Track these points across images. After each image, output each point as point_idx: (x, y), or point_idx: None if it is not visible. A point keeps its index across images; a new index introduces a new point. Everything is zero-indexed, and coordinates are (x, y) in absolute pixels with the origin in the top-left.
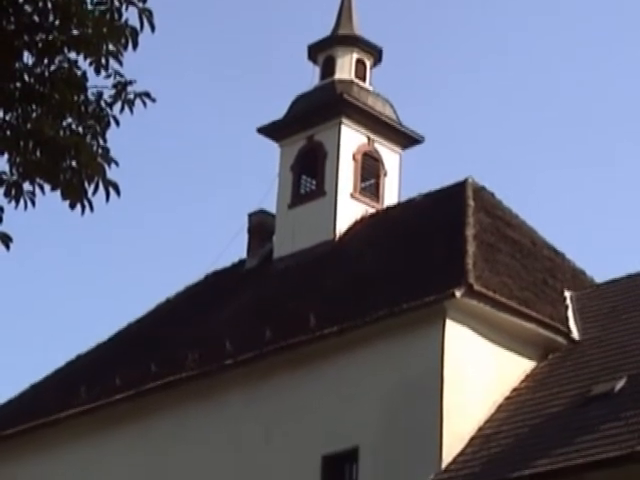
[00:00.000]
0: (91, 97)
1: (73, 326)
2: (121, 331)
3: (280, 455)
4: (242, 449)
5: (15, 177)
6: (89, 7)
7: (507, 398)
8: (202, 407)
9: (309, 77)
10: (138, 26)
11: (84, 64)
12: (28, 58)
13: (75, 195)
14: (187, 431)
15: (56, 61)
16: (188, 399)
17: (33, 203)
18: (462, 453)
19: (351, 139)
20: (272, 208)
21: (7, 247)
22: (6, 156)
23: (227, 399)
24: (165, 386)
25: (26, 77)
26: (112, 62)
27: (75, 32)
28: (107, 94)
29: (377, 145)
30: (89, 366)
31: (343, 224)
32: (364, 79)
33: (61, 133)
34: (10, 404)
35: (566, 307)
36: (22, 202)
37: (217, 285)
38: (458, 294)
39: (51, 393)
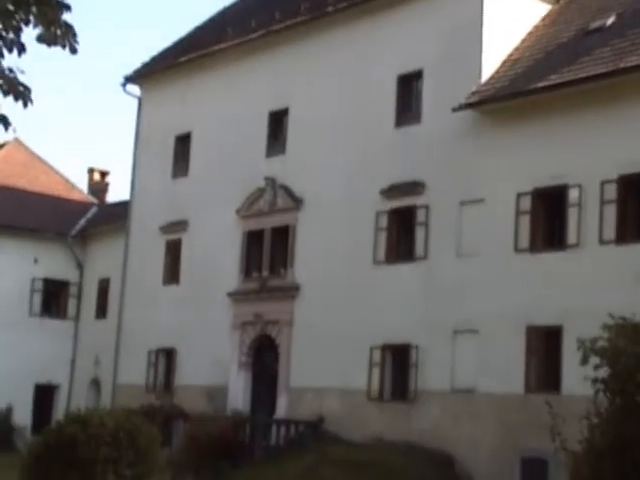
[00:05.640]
0: None
1: None
2: None
3: (366, 75)
4: (344, 72)
5: None
6: None
7: (529, 33)
8: (322, 43)
9: None
10: None
11: None
12: None
13: None
14: (303, 60)
15: None
16: (306, 37)
17: None
18: (497, 71)
19: None
20: None
21: None
22: None
23: (330, 37)
24: (287, 27)
25: None
26: None
27: None
28: None
29: None
30: (234, 14)
31: None
32: None
33: None
34: (185, 38)
35: None
36: None
37: None
38: None
39: (208, 33)
